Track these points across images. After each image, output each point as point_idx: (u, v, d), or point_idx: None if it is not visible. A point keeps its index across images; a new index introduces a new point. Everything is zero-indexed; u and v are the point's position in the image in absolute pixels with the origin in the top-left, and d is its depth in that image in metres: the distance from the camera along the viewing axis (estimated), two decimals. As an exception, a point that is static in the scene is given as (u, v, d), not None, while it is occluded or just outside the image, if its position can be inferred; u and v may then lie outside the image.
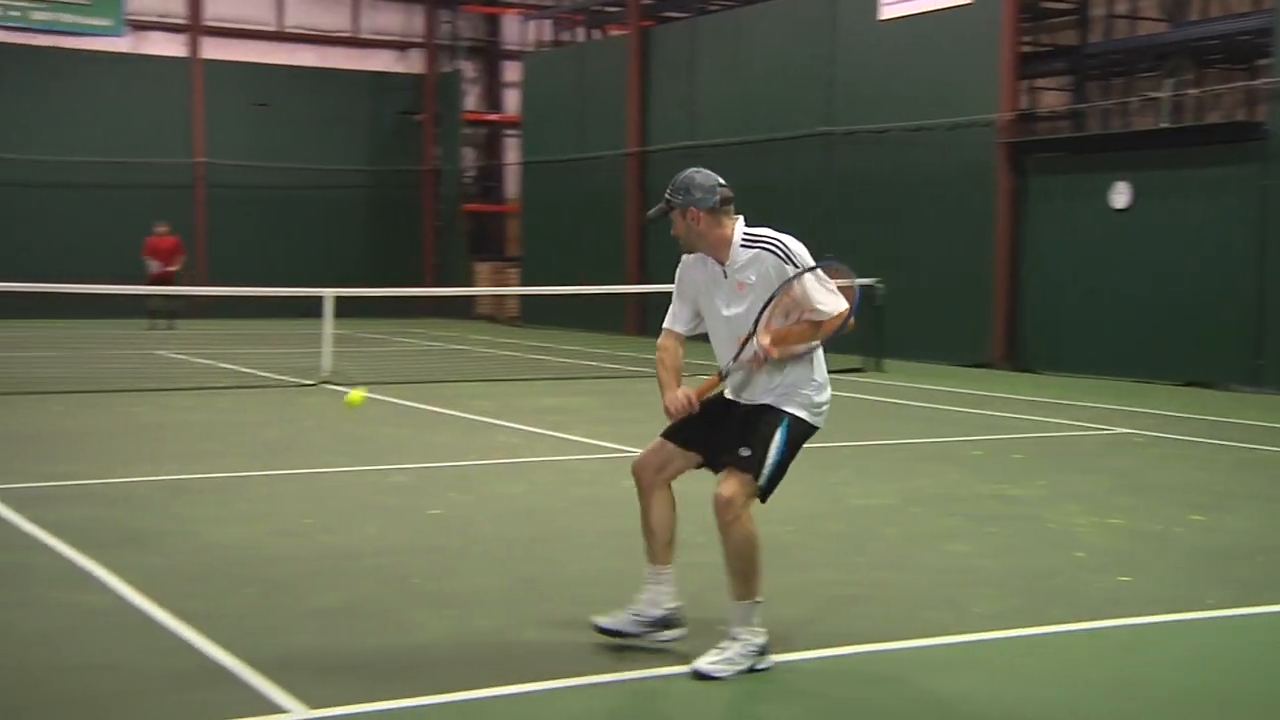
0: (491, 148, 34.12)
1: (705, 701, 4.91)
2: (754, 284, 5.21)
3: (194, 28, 30.61)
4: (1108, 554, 7.27)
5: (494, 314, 30.57)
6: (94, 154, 29.51)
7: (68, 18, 29.17)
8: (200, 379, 16.42)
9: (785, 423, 5.17)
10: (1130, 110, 20.79)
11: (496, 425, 12.38)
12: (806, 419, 5.23)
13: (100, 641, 5.49)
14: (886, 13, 20.95)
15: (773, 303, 5.16)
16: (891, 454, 10.95)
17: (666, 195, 5.31)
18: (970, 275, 19.79)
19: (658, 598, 5.38)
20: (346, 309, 18.61)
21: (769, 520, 8.04)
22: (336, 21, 32.47)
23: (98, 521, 7.85)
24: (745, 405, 5.28)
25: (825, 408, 5.30)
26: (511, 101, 32.93)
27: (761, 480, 5.13)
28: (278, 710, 4.70)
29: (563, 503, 8.67)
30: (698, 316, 5.42)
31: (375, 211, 32.62)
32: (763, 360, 5.14)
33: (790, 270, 5.15)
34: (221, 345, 21.68)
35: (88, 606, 6.01)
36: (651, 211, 5.42)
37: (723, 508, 5.09)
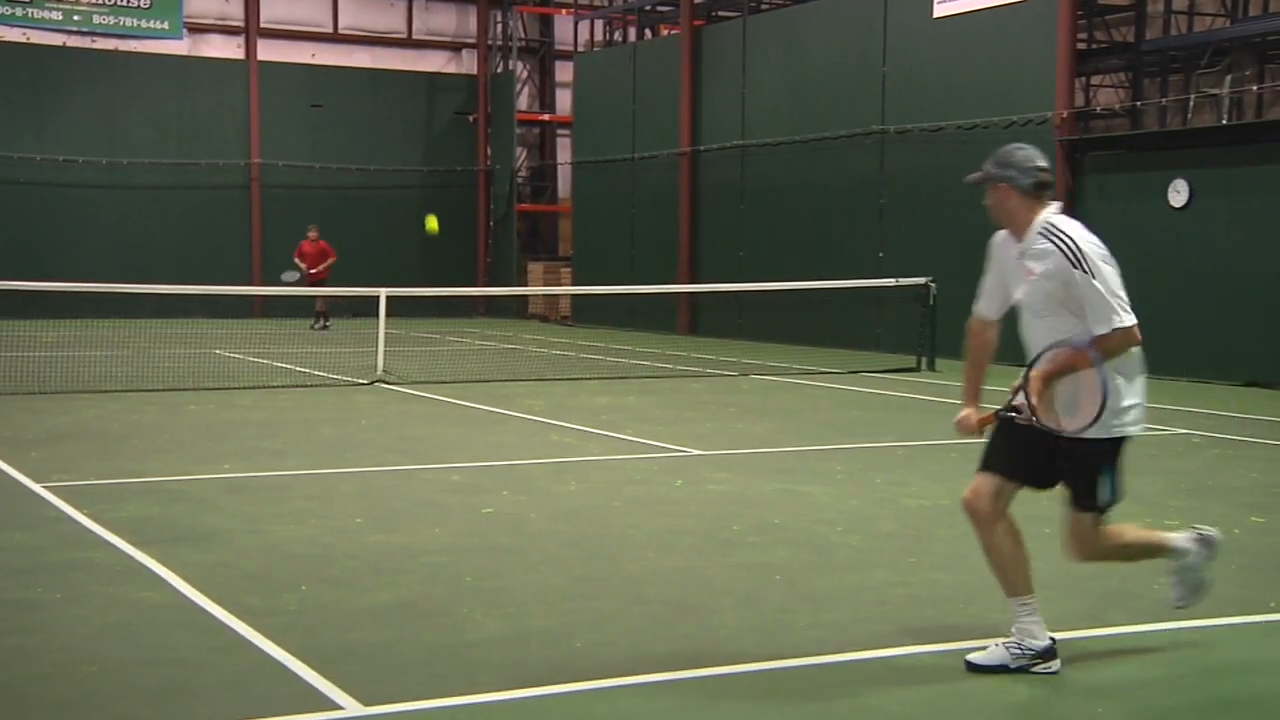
0: (544, 148, 34.24)
1: (751, 706, 4.90)
2: (1038, 276, 5.09)
3: (250, 30, 30.92)
4: (1166, 556, 7.18)
5: (546, 314, 30.66)
6: (152, 155, 29.88)
7: (129, 21, 29.62)
8: (257, 377, 16.56)
9: (1106, 462, 5.16)
10: (1189, 107, 20.55)
11: (549, 424, 12.42)
12: (1120, 435, 5.10)
13: (159, 637, 5.55)
14: (941, 10, 20.82)
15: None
16: (945, 454, 10.85)
17: (987, 165, 5.31)
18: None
19: (1033, 629, 5.21)
20: (400, 308, 18.75)
21: (821, 521, 8.05)
22: (391, 23, 32.70)
23: (156, 518, 7.95)
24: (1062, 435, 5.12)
25: (1129, 415, 5.09)
26: (564, 101, 33.04)
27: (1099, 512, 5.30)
28: (333, 707, 4.74)
29: (616, 501, 8.68)
30: (1009, 297, 5.30)
31: (429, 211, 32.70)
32: (1038, 390, 5.02)
33: (1077, 275, 4.97)
34: (277, 344, 21.86)
35: (146, 603, 6.08)
36: (971, 176, 5.42)
37: (1074, 552, 5.45)
